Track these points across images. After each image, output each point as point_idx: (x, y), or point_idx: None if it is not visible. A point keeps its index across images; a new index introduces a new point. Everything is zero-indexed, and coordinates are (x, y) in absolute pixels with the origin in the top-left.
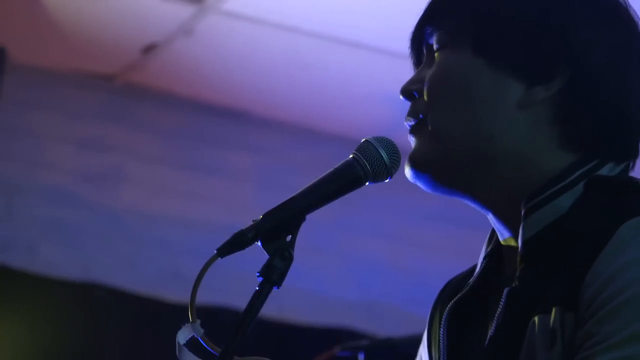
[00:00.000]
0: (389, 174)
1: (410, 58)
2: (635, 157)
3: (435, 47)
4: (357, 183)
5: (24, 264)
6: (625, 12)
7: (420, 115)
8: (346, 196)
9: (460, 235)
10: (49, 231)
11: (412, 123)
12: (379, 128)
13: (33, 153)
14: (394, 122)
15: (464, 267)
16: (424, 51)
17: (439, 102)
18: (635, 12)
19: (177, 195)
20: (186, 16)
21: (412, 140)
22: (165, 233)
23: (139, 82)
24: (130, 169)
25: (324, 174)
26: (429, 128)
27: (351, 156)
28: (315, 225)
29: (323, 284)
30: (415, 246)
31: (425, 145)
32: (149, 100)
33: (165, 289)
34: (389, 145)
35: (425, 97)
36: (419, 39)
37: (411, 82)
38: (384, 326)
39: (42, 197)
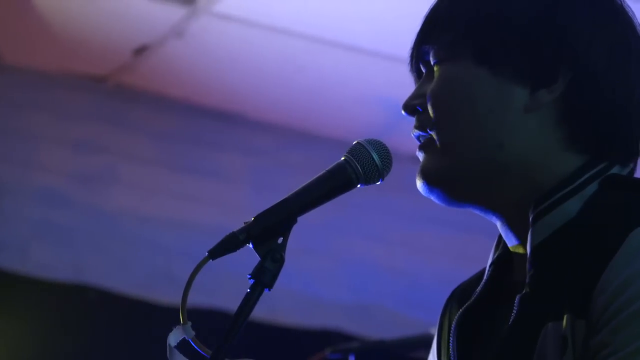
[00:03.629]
0: (381, 176)
1: (404, 62)
2: (637, 158)
3: (432, 62)
4: (348, 185)
5: (15, 265)
6: (623, 13)
7: (429, 131)
8: (338, 198)
9: (453, 237)
10: (41, 233)
11: (420, 134)
12: (372, 130)
13: (25, 154)
14: (387, 124)
15: (456, 269)
16: (422, 68)
17: (445, 117)
18: (633, 12)
19: (169, 197)
20: (178, 18)
21: (420, 156)
22: (157, 235)
23: (130, 83)
24: (122, 171)
25: (315, 176)
26: (438, 144)
27: (343, 158)
28: (307, 226)
29: (314, 286)
30: (407, 248)
31: (436, 160)
32: (141, 102)
33: (157, 291)
34: (381, 148)
35: (431, 113)
36: (417, 57)
37: (412, 97)
38: (374, 328)
39: (34, 199)
